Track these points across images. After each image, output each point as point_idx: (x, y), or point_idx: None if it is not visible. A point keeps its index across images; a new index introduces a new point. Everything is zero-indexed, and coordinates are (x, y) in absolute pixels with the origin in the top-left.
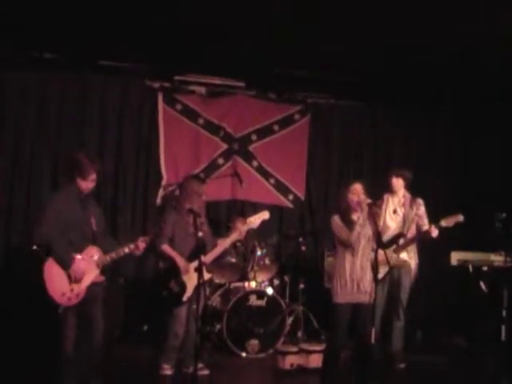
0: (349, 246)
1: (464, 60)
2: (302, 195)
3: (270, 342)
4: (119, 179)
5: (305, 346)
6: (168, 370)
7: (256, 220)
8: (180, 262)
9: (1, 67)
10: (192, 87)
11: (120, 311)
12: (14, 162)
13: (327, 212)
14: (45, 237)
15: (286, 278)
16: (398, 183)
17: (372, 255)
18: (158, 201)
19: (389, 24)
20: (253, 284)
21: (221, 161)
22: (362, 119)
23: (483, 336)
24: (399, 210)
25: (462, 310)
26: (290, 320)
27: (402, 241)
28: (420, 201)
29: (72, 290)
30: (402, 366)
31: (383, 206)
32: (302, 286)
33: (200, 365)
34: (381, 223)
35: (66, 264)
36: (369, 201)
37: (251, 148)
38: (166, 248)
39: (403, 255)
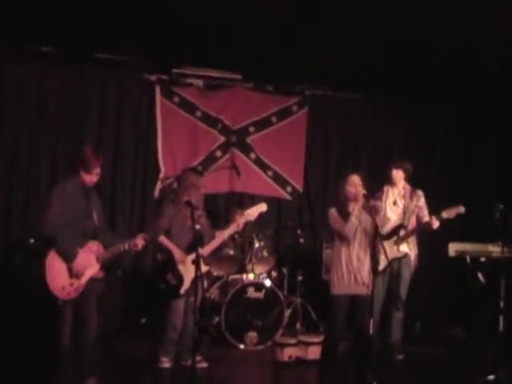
0: (345, 238)
1: (463, 55)
2: (300, 187)
3: (268, 334)
4: (117, 172)
5: (303, 338)
6: (166, 363)
7: (254, 212)
8: (176, 253)
9: None
10: (189, 80)
11: (118, 304)
12: (12, 157)
13: (325, 204)
14: (51, 229)
15: (284, 270)
16: (398, 175)
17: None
18: (156, 194)
19: (389, 17)
20: (251, 276)
21: (219, 153)
22: (360, 111)
23: (481, 327)
24: (399, 201)
25: (459, 301)
26: (288, 312)
27: (402, 232)
28: (420, 192)
29: (72, 285)
30: (401, 357)
31: (383, 198)
32: (300, 277)
33: (198, 357)
34: (381, 215)
35: (69, 257)
36: (364, 192)
37: (249, 140)
38: (162, 240)
39: (403, 247)
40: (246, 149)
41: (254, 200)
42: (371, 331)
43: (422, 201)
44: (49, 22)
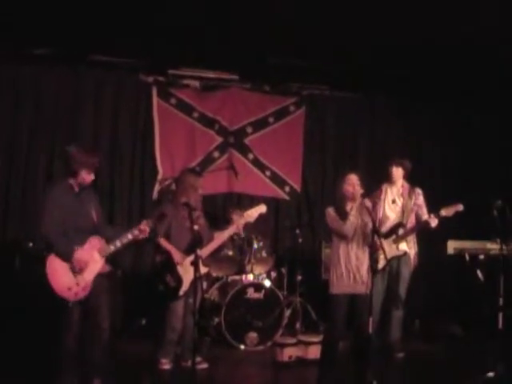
0: (343, 237)
1: (462, 53)
2: (298, 187)
3: (268, 334)
4: (115, 174)
5: (303, 338)
6: (166, 365)
7: (253, 213)
8: (175, 254)
9: None
10: (186, 81)
11: (118, 305)
12: (9, 159)
13: (324, 203)
14: (45, 234)
15: (284, 270)
16: (397, 172)
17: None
18: (155, 195)
19: (388, 15)
20: (250, 277)
21: (216, 154)
22: (357, 110)
23: (480, 324)
24: (398, 200)
25: (458, 299)
26: (288, 312)
27: (401, 231)
28: (419, 190)
29: (78, 284)
30: (401, 355)
31: (382, 197)
32: (299, 277)
33: (199, 358)
34: (380, 214)
35: (67, 256)
36: (361, 191)
37: (247, 141)
38: (161, 241)
39: (403, 245)
40: (244, 149)
41: (252, 200)
42: (371, 330)
43: (421, 199)
44: (45, 24)
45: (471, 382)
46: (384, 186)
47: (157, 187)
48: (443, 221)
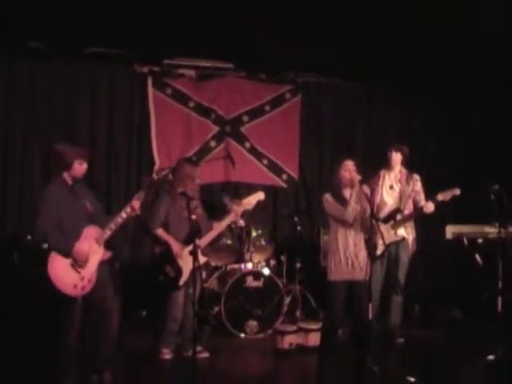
0: (344, 223)
1: (459, 42)
2: (295, 175)
3: (268, 322)
4: (112, 165)
5: (303, 325)
6: (167, 355)
7: (251, 201)
8: (174, 245)
9: None
10: (181, 71)
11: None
12: (5, 152)
13: (321, 191)
14: (42, 233)
15: (283, 258)
16: (396, 158)
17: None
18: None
19: (385, 3)
20: (249, 265)
21: (213, 143)
22: (353, 97)
23: (480, 308)
24: (396, 185)
25: (458, 283)
26: (287, 300)
27: (399, 216)
28: (416, 176)
29: (83, 279)
30: (401, 340)
31: (379, 182)
32: (298, 265)
33: (199, 348)
34: (377, 199)
35: (66, 251)
36: (359, 177)
37: (243, 129)
38: (160, 232)
39: (401, 231)
40: (241, 138)
41: (250, 189)
42: (370, 316)
43: (419, 185)
44: (38, 17)
45: (471, 365)
46: (382, 172)
47: (154, 176)
48: (441, 205)
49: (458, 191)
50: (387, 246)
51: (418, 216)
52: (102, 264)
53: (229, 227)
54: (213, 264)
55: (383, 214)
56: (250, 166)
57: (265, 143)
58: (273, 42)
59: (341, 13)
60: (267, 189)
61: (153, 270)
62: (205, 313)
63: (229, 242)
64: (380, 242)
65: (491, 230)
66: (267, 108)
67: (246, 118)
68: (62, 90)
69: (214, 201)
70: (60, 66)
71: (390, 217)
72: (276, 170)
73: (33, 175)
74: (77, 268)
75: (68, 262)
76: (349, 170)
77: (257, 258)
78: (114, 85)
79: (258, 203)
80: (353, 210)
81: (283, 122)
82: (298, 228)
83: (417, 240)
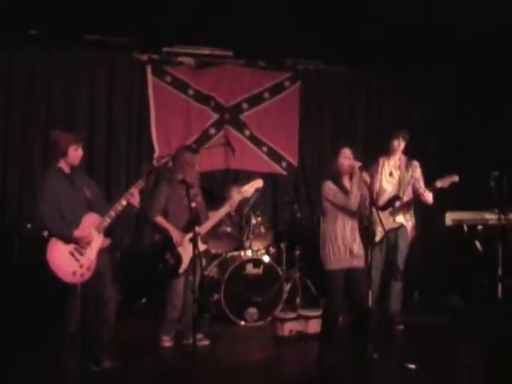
0: (347, 211)
1: (456, 29)
2: (295, 162)
3: (268, 309)
4: (111, 153)
5: (303, 312)
6: (168, 342)
7: (250, 188)
8: (174, 233)
9: None
10: (180, 58)
11: (118, 285)
12: (4, 141)
13: (321, 178)
14: (41, 221)
15: (282, 246)
16: (400, 146)
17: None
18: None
19: None
20: (249, 253)
21: (212, 131)
22: (353, 84)
23: (479, 294)
24: (395, 172)
25: (458, 270)
26: (287, 287)
27: (397, 203)
28: (416, 163)
29: (82, 266)
30: (401, 327)
31: (379, 170)
32: (298, 252)
33: (199, 335)
34: (377, 186)
35: (67, 237)
36: (359, 164)
37: (242, 117)
38: (159, 220)
39: (399, 218)
40: (240, 126)
41: (249, 177)
42: (370, 303)
43: (419, 172)
44: (37, 5)
45: (471, 352)
46: (381, 159)
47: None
48: (440, 192)
49: (456, 178)
50: (386, 233)
51: (417, 203)
52: (102, 251)
53: (228, 215)
54: (213, 251)
55: (382, 201)
56: (249, 154)
57: (264, 131)
58: (272, 29)
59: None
60: (267, 176)
61: (152, 258)
62: (205, 300)
63: (228, 229)
64: (379, 228)
65: (491, 217)
66: (266, 95)
67: (245, 106)
68: (62, 78)
69: (215, 188)
70: (59, 53)
71: (389, 204)
72: (275, 157)
73: (33, 163)
74: (76, 255)
75: (67, 249)
76: (347, 157)
77: (256, 245)
78: (113, 73)
79: (257, 191)
80: (356, 197)
81: (283, 109)
82: (298, 215)
83: (417, 227)
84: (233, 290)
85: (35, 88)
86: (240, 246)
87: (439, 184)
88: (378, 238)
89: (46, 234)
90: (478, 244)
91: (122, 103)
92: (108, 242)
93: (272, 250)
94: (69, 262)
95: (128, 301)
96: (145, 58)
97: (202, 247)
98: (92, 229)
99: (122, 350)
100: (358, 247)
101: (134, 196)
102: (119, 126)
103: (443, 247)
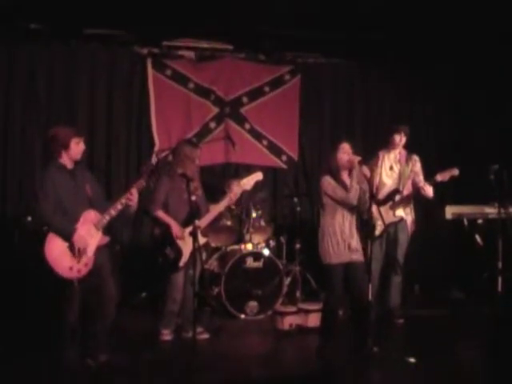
0: (346, 206)
1: (456, 20)
2: (295, 156)
3: (268, 303)
4: (112, 147)
5: (303, 306)
6: (167, 336)
7: (249, 181)
8: (174, 227)
9: None
10: (181, 52)
11: (118, 279)
12: (5, 134)
13: (321, 172)
14: (43, 218)
15: (282, 239)
16: (401, 141)
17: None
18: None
19: None
20: (249, 246)
21: (213, 124)
22: (353, 77)
23: (480, 288)
24: (395, 166)
25: (458, 264)
26: (287, 280)
27: (397, 197)
28: (416, 157)
29: (79, 262)
30: (401, 321)
31: (379, 163)
32: (298, 246)
33: (199, 329)
34: (377, 180)
35: (67, 234)
36: (359, 159)
37: (243, 111)
38: (160, 213)
39: (399, 212)
40: (240, 119)
41: (249, 170)
42: (370, 297)
43: (418, 166)
44: None
45: (472, 345)
46: (381, 153)
47: (153, 159)
48: (440, 186)
49: (456, 171)
50: (386, 227)
51: (417, 197)
52: (101, 248)
53: (228, 208)
54: (213, 245)
55: (382, 195)
56: (249, 148)
57: (264, 124)
58: (272, 22)
59: None
60: (267, 170)
61: (152, 252)
62: (205, 294)
63: (228, 223)
64: (379, 222)
65: (491, 211)
66: (267, 89)
67: (245, 100)
68: (61, 72)
69: (215, 182)
70: (59, 47)
71: (389, 198)
72: (276, 151)
73: (33, 157)
74: (74, 250)
75: (65, 244)
76: (346, 152)
77: (256, 238)
78: (113, 66)
79: (257, 183)
80: (355, 191)
81: (283, 103)
82: (298, 209)
83: (417, 220)
84: (233, 284)
85: (35, 82)
86: (240, 240)
87: (439, 178)
88: (377, 232)
89: (45, 228)
90: (478, 238)
91: (122, 96)
92: (107, 239)
93: (272, 243)
94: (66, 256)
95: (128, 294)
96: (145, 51)
97: (202, 241)
98: (91, 226)
99: (122, 344)
100: (355, 242)
101: (133, 195)
102: (119, 119)
103: (443, 241)
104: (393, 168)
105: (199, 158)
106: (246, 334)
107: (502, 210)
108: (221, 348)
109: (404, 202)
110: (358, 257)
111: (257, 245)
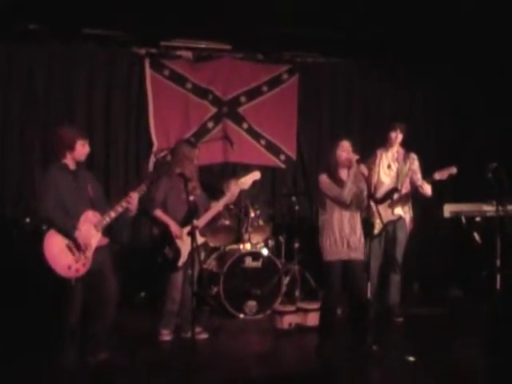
0: (341, 204)
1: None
2: (293, 155)
3: (267, 302)
4: (110, 148)
5: (302, 305)
6: (167, 336)
7: (247, 181)
8: (173, 226)
9: None
10: (179, 52)
11: (117, 279)
12: (3, 135)
13: (319, 170)
14: (45, 219)
15: (281, 238)
16: (398, 138)
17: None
18: (150, 167)
19: None
20: (248, 246)
21: (211, 124)
22: (351, 76)
23: (479, 286)
24: (393, 164)
25: (456, 262)
26: (286, 280)
27: (396, 196)
28: (414, 155)
29: (77, 261)
30: (400, 319)
31: (377, 162)
32: (296, 245)
33: (198, 329)
34: (375, 179)
35: (70, 232)
36: (357, 157)
37: (241, 110)
38: (159, 213)
39: (398, 210)
40: (238, 119)
41: (248, 170)
42: (369, 295)
43: (416, 164)
44: None
45: (471, 343)
46: (379, 151)
47: (152, 159)
48: (438, 184)
49: (454, 170)
50: (385, 226)
51: (416, 195)
52: (100, 249)
53: (226, 208)
54: (211, 245)
55: (380, 193)
56: (247, 147)
57: (262, 124)
58: (270, 22)
59: None
60: (265, 169)
61: (151, 252)
62: (204, 293)
63: (227, 222)
64: (377, 221)
65: (489, 209)
66: (265, 89)
67: (243, 99)
68: (60, 72)
69: (213, 182)
70: (58, 47)
71: (387, 196)
72: (274, 150)
73: (32, 157)
74: (73, 249)
75: (65, 242)
76: (346, 150)
77: (255, 238)
78: (111, 66)
79: (255, 183)
80: (350, 190)
81: (281, 102)
82: (297, 208)
83: (415, 219)
84: (232, 283)
85: (34, 82)
86: (239, 239)
87: (437, 176)
88: (376, 231)
89: (44, 227)
90: (476, 236)
91: (120, 96)
92: (106, 240)
93: (271, 242)
94: (65, 254)
95: (127, 294)
96: (143, 51)
97: (200, 240)
98: (91, 226)
99: (122, 344)
100: (357, 240)
101: (133, 199)
102: (118, 119)
103: (442, 239)
104: (391, 166)
105: (197, 157)
106: (245, 333)
107: (500, 208)
108: (220, 347)
109: (402, 200)
110: (358, 255)
111: (255, 244)
